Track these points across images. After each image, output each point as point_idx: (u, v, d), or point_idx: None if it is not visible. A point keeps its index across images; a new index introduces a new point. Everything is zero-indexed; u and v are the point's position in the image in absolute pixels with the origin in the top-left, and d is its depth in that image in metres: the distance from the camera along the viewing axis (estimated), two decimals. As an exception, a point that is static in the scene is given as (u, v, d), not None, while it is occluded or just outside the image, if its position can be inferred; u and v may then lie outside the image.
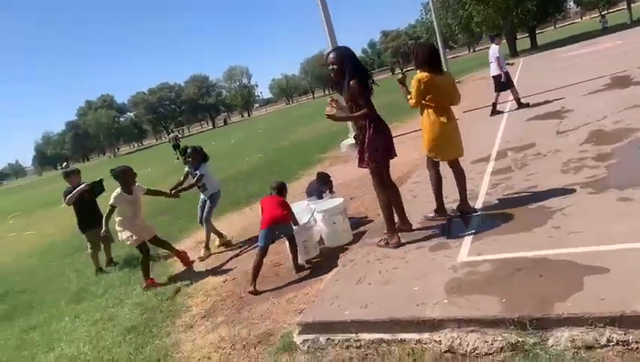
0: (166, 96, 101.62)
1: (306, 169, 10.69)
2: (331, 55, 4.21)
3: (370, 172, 4.30)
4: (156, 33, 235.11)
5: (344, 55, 4.15)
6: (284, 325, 3.66)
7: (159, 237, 5.89)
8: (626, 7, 41.39)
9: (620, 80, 10.11)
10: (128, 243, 5.58)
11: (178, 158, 20.73)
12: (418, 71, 4.37)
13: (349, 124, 12.57)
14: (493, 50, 10.68)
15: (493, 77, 10.79)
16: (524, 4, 33.91)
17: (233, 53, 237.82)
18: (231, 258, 5.84)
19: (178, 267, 6.00)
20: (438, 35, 24.00)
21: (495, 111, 10.47)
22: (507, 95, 10.77)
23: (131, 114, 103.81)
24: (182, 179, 6.25)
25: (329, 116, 4.23)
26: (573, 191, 4.43)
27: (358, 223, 5.59)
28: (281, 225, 4.68)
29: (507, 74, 10.55)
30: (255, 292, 4.43)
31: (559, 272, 3.05)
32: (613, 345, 2.45)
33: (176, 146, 16.96)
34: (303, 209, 5.44)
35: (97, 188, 6.93)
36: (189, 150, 6.22)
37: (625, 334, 2.46)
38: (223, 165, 16.71)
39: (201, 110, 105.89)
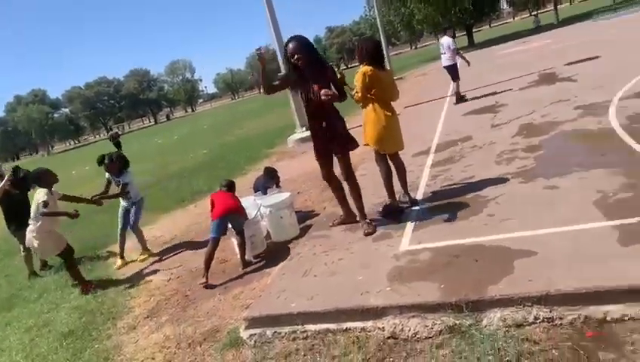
0: (104, 91, 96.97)
1: (252, 164, 10.60)
2: (291, 45, 4.04)
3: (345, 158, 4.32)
4: (93, 25, 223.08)
5: (308, 43, 4.13)
6: (231, 321, 3.64)
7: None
8: (553, 8, 44.03)
9: (548, 76, 10.79)
10: (48, 254, 5.28)
11: None
12: (362, 65, 4.45)
13: (296, 118, 12.64)
14: (447, 41, 10.85)
15: (446, 67, 10.94)
16: (461, 3, 35.30)
17: (176, 47, 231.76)
18: (174, 255, 5.71)
19: (115, 264, 5.79)
20: (381, 32, 24.47)
21: (460, 99, 10.66)
22: (447, 88, 11.18)
23: (66, 110, 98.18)
24: (104, 188, 5.89)
25: (329, 97, 3.97)
26: (505, 180, 4.70)
27: (304, 217, 5.62)
28: (235, 215, 4.65)
29: (456, 65, 10.83)
30: (208, 286, 4.39)
31: (493, 257, 3.23)
32: (539, 322, 2.64)
33: (117, 144, 16.32)
34: (250, 204, 5.40)
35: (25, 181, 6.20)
36: (105, 160, 5.78)
37: (550, 311, 2.65)
38: (166, 162, 16.24)
39: (142, 105, 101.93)
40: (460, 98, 10.77)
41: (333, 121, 4.23)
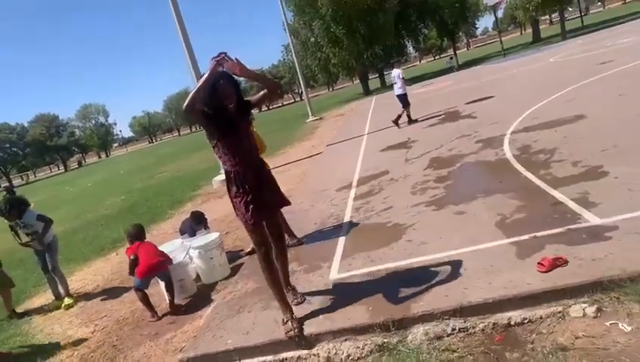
0: (6, 138, 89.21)
1: (176, 208, 10.38)
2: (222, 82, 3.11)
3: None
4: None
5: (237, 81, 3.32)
6: (165, 366, 3.57)
7: None
8: (453, 53, 48.63)
9: (452, 114, 11.89)
10: None
11: None
12: None
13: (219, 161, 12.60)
14: (397, 72, 12.37)
15: (398, 95, 12.36)
16: (372, 48, 37.80)
17: (87, 90, 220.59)
18: (98, 305, 5.44)
19: (37, 322, 5.38)
20: (299, 75, 25.43)
21: (412, 121, 12.19)
22: (363, 127, 11.88)
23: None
24: (21, 240, 5.66)
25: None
26: (420, 209, 5.14)
27: (235, 257, 5.66)
28: (160, 272, 4.64)
29: (406, 94, 12.30)
30: (158, 318, 4.52)
31: (414, 278, 3.53)
32: (456, 333, 2.94)
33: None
34: (177, 247, 5.36)
35: None
36: (2, 210, 5.47)
37: (464, 322, 2.97)
38: (81, 210, 15.32)
39: (50, 152, 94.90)
40: (413, 120, 12.21)
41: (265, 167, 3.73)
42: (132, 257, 4.57)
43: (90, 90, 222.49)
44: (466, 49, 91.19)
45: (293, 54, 27.30)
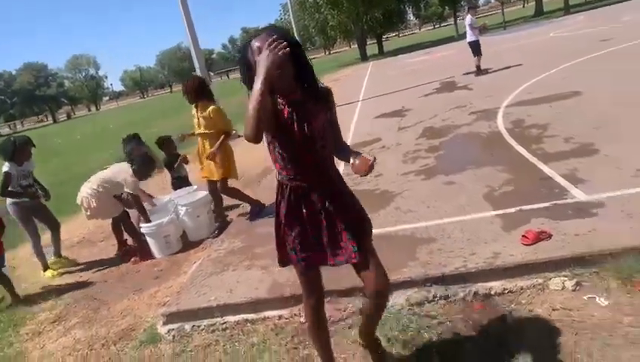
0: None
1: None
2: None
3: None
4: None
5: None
6: (148, 319, 3.60)
7: None
8: (453, 23, 47.77)
9: (448, 85, 11.76)
10: None
11: None
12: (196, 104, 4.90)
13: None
14: (470, 20, 12.05)
15: (469, 43, 12.08)
16: (372, 12, 36.92)
17: (78, 41, 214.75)
18: (82, 258, 5.44)
19: (19, 272, 5.38)
20: (296, 36, 24.82)
21: (480, 72, 11.79)
22: (358, 94, 11.71)
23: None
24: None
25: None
26: (410, 177, 5.13)
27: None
28: None
29: (478, 42, 11.86)
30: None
31: (399, 245, 3.55)
32: (437, 300, 2.98)
33: None
34: (163, 204, 5.34)
35: None
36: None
37: (446, 290, 3.01)
38: (69, 162, 15.16)
39: (39, 102, 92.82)
40: (481, 71, 11.80)
41: (341, 187, 2.28)
42: None
43: (81, 41, 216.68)
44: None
45: (291, 14, 26.59)
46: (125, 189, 4.77)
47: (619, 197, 3.48)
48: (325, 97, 2.05)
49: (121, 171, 4.85)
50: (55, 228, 5.28)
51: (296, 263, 2.18)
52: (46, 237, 5.40)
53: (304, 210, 2.09)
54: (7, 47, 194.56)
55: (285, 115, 1.96)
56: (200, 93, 4.90)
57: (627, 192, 3.53)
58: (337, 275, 3.24)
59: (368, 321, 2.33)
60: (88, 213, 4.95)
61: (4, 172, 4.81)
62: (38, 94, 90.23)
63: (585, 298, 2.66)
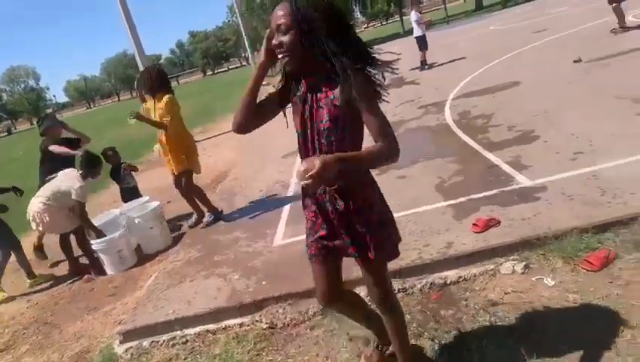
0: None
1: (115, 177, 9.91)
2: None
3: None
4: None
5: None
6: (103, 339, 3.46)
7: None
8: (399, 19, 48.75)
9: (396, 80, 11.97)
10: None
11: None
12: (157, 94, 4.75)
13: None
14: (415, 16, 12.40)
15: (416, 38, 12.50)
16: (319, 12, 37.09)
17: (14, 52, 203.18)
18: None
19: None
20: (244, 37, 24.61)
21: (424, 66, 12.34)
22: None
23: None
24: None
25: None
26: (364, 174, 5.19)
27: (177, 226, 5.51)
28: None
29: (424, 37, 12.31)
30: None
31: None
32: (396, 292, 3.02)
33: None
34: (115, 217, 5.14)
35: None
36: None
37: (404, 283, 3.06)
38: (11, 180, 14.32)
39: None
40: (426, 65, 12.35)
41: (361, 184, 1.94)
42: None
43: (18, 52, 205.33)
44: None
45: (238, 16, 26.30)
46: (73, 197, 4.55)
47: (559, 181, 3.67)
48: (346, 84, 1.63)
49: (67, 178, 4.64)
50: (16, 247, 4.97)
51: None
52: None
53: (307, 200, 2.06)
54: None
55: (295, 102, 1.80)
56: (163, 82, 4.80)
57: (566, 175, 3.72)
58: (295, 279, 3.24)
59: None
60: (40, 228, 4.71)
61: None
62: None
63: (533, 279, 2.78)
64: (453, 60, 12.43)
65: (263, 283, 3.35)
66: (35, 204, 4.60)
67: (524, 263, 2.91)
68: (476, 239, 3.15)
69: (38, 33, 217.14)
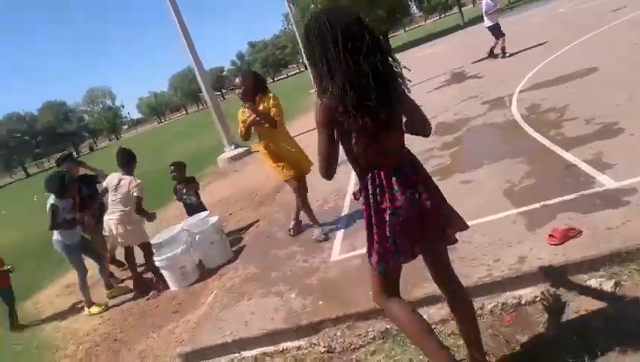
0: (16, 128, 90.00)
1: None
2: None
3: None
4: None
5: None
6: (166, 359, 3.49)
7: None
8: (458, 10, 47.04)
9: (458, 75, 11.45)
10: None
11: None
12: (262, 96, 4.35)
13: (222, 135, 12.42)
14: (487, 5, 11.68)
15: (488, 27, 11.82)
16: (373, 12, 36.62)
17: (91, 75, 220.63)
18: (103, 297, 5.39)
19: (41, 314, 5.37)
20: (300, 44, 24.79)
21: (505, 54, 11.44)
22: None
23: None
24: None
25: None
26: (425, 180, 4.90)
27: (237, 239, 5.54)
28: None
29: (497, 25, 11.60)
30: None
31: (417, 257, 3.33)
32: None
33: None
34: (177, 233, 5.23)
35: None
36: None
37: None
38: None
39: (62, 139, 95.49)
40: (498, 54, 11.58)
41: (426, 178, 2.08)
42: None
43: (95, 74, 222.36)
44: (472, 5, 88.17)
45: (293, 24, 26.58)
46: (134, 194, 4.71)
47: (652, 181, 3.20)
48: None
49: (124, 184, 4.79)
50: (100, 259, 5.22)
51: None
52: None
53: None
54: (25, 88, 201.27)
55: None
56: (262, 85, 4.44)
57: (660, 174, 3.25)
58: (353, 299, 3.06)
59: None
60: (120, 240, 4.92)
61: (51, 204, 4.72)
62: (60, 131, 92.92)
63: (626, 299, 2.41)
64: (521, 50, 11.64)
65: (320, 302, 3.21)
66: (112, 218, 4.80)
67: (613, 280, 2.53)
68: (554, 252, 2.80)
69: (111, 54, 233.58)
